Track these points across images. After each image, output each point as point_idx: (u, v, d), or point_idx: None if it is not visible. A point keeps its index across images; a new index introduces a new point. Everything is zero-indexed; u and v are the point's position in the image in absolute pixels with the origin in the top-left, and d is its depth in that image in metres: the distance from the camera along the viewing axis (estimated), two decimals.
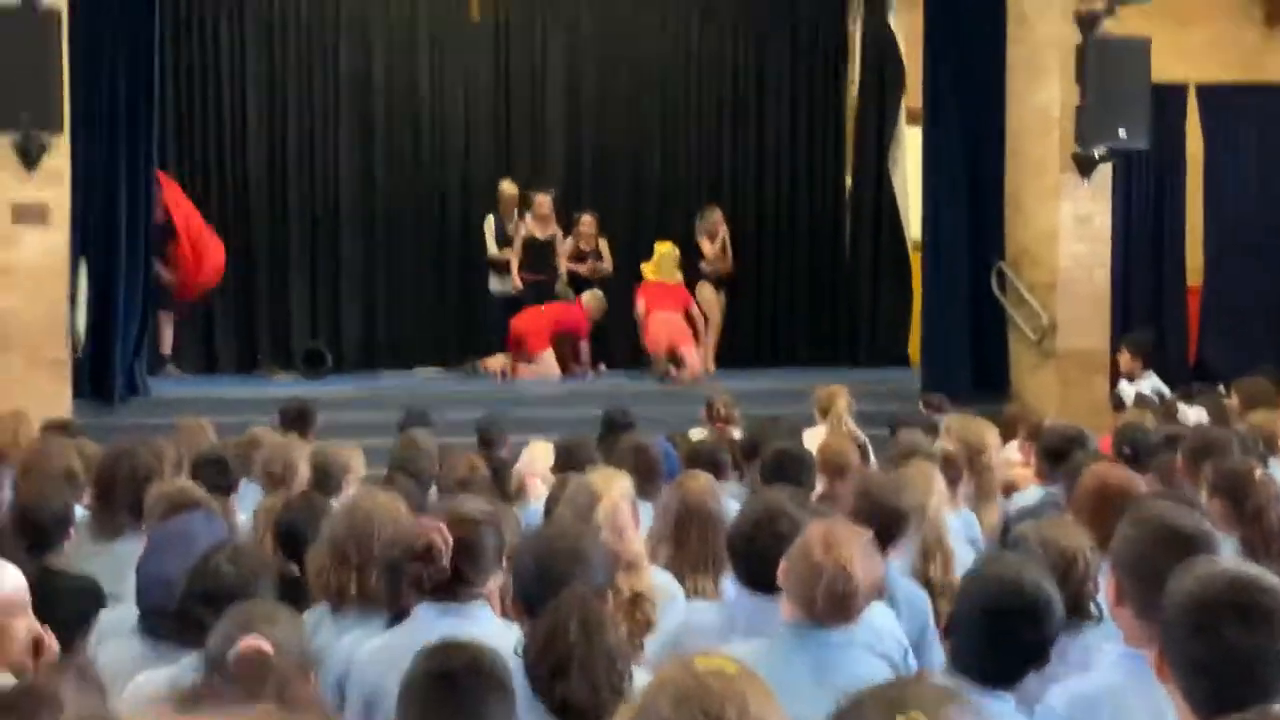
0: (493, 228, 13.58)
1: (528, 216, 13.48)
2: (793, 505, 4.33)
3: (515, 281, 13.36)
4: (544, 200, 13.42)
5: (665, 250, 13.46)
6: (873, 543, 3.85)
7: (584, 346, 13.36)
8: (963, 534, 5.81)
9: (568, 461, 6.49)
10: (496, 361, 13.08)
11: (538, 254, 13.39)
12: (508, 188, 13.62)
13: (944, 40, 12.60)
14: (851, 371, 13.58)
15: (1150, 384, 10.93)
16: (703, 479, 5.07)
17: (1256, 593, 2.87)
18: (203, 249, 12.73)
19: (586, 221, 13.60)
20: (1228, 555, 4.13)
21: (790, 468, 5.91)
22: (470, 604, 3.80)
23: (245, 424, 8.73)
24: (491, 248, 13.55)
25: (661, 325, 13.14)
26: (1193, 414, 8.63)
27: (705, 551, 4.71)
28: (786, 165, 15.09)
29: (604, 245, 13.69)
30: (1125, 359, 11.35)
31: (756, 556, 4.10)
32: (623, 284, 13.56)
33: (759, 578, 4.07)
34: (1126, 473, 5.32)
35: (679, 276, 13.52)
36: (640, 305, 13.29)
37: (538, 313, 13.18)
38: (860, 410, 9.04)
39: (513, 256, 13.39)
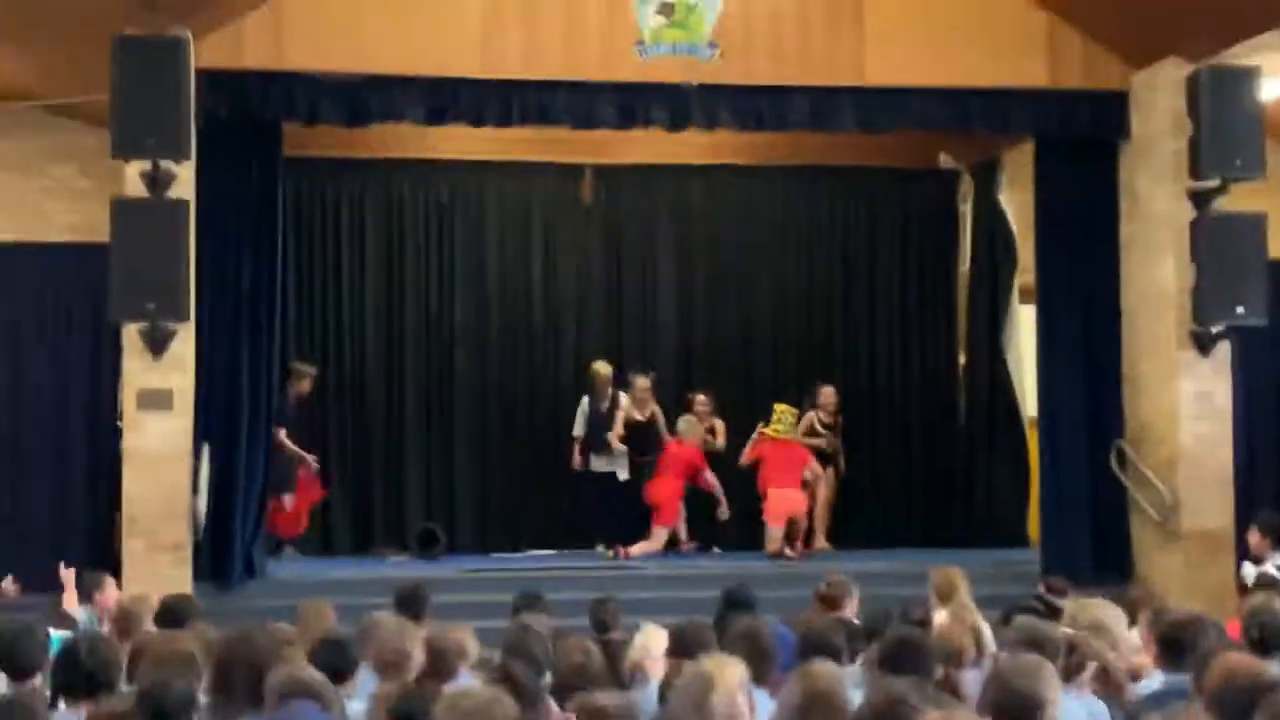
0: (585, 408, 13.70)
1: (624, 398, 13.60)
2: (916, 695, 4.23)
3: (622, 461, 13.52)
4: (643, 383, 13.55)
5: (784, 409, 13.56)
6: None
7: (708, 475, 13.48)
8: None
9: (682, 647, 6.41)
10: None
11: (639, 436, 13.48)
12: (601, 368, 13.75)
13: (1055, 218, 12.61)
14: (968, 552, 13.38)
15: (1277, 564, 10.63)
16: (828, 667, 4.98)
17: None
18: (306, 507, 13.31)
19: (701, 400, 13.69)
20: None
21: (910, 656, 5.77)
22: None
23: (361, 606, 8.77)
24: (578, 427, 13.68)
25: (781, 501, 13.20)
26: None
27: None
28: (899, 343, 15.07)
29: (719, 424, 13.75)
30: (1255, 539, 11.04)
31: None
32: (735, 461, 13.59)
33: None
34: (1257, 662, 5.15)
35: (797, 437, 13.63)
36: (749, 453, 13.45)
37: (670, 480, 13.34)
38: (978, 593, 8.88)
39: (614, 438, 13.54)
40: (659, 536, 13.31)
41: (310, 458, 13.15)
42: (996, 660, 5.60)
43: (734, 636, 6.16)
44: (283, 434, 12.69)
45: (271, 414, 11.83)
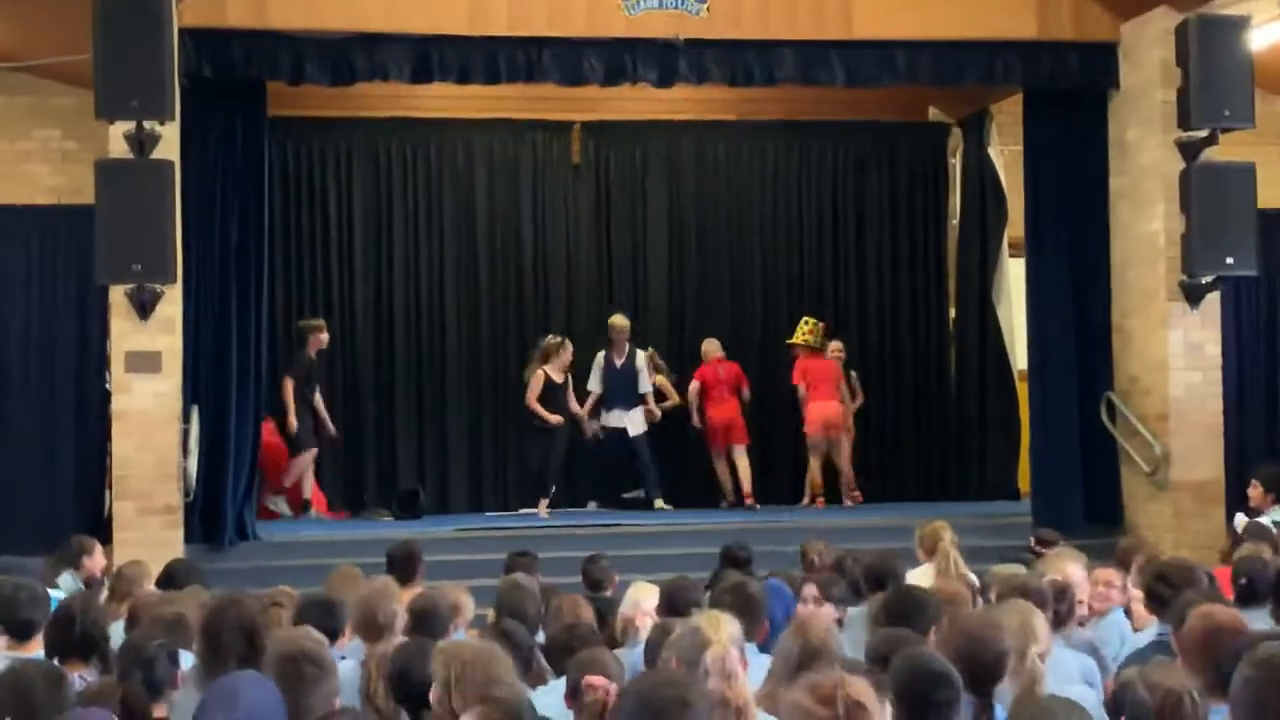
0: (600, 362, 13.70)
1: (640, 355, 13.69)
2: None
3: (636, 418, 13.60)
4: (563, 349, 13.42)
5: (809, 321, 14.01)
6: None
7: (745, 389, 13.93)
8: (1078, 675, 5.66)
9: (670, 605, 6.43)
10: None
11: (552, 398, 13.31)
12: (619, 321, 13.73)
13: (1045, 170, 12.59)
14: (960, 505, 13.43)
15: (1276, 518, 10.64)
16: (823, 620, 5.01)
17: None
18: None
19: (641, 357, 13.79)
20: None
21: (910, 609, 5.73)
22: None
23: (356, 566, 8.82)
24: (593, 382, 13.69)
25: (818, 411, 13.72)
26: None
27: None
28: (889, 297, 15.04)
29: (664, 381, 13.79)
30: (1256, 492, 11.04)
31: None
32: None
33: None
34: (1233, 613, 5.15)
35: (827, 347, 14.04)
36: (797, 377, 13.91)
37: (729, 399, 13.73)
38: (970, 545, 8.89)
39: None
40: (744, 457, 13.66)
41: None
42: (956, 614, 5.60)
43: (721, 592, 6.18)
44: (290, 387, 12.82)
45: (260, 374, 11.80)
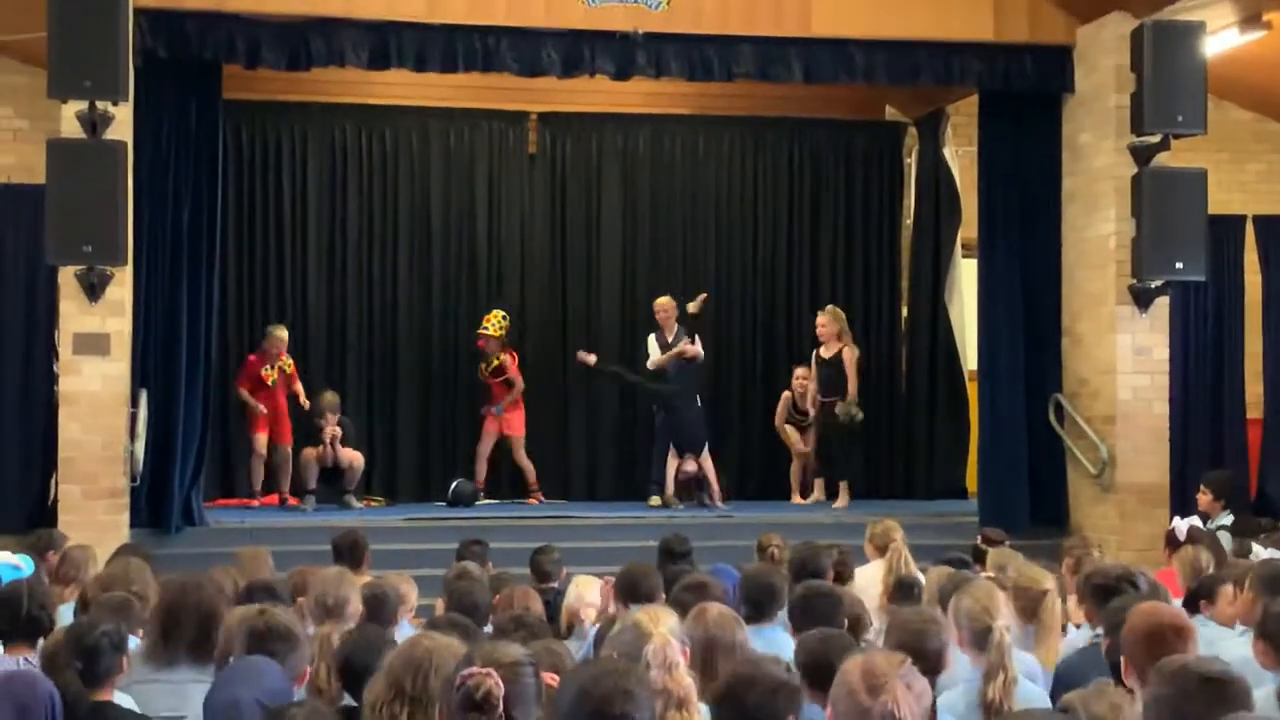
0: (654, 344, 13.68)
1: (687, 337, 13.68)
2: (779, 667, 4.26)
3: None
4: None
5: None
6: (914, 669, 3.70)
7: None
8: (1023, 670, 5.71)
9: (630, 593, 6.43)
10: None
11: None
12: (660, 301, 13.70)
13: (999, 173, 12.65)
14: (908, 503, 13.49)
15: (1225, 523, 10.73)
16: (720, 608, 5.10)
17: None
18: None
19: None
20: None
21: (820, 607, 5.83)
22: None
23: (301, 553, 8.83)
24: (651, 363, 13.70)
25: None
26: (1265, 552, 8.46)
27: None
28: (842, 297, 15.02)
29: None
30: (1205, 499, 11.15)
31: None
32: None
33: None
34: (1175, 611, 5.18)
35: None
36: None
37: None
38: (916, 543, 8.93)
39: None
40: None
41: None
42: (891, 610, 5.68)
43: (680, 590, 6.19)
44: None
45: (210, 359, 11.73)
